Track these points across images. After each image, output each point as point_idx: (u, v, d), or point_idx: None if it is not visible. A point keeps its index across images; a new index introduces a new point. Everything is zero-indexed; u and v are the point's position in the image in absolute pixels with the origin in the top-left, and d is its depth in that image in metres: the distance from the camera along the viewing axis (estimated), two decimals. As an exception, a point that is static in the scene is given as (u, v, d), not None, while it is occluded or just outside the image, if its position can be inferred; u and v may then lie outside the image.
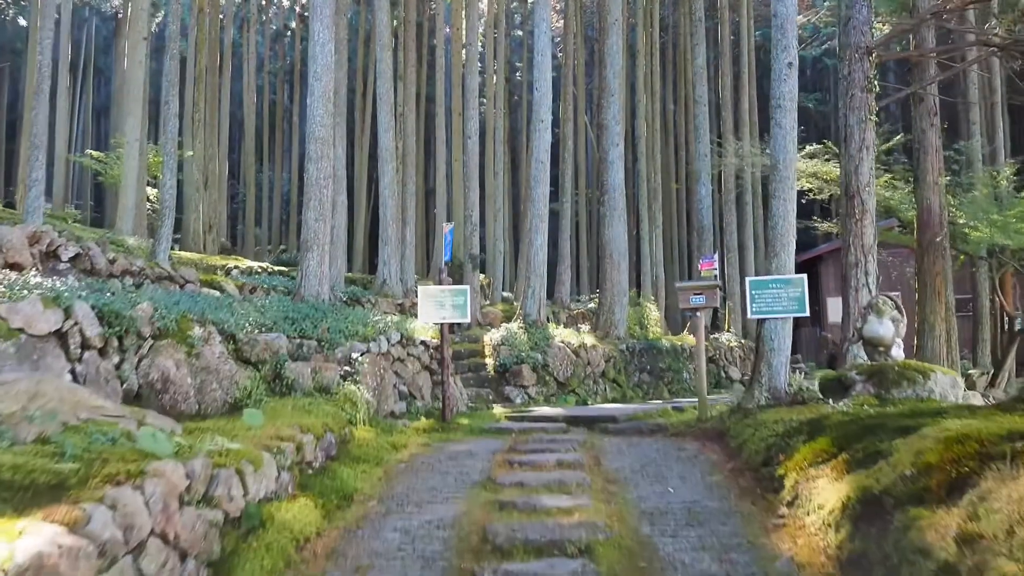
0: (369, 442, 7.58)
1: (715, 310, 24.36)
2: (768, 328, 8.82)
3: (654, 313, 18.80)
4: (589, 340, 14.98)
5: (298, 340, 8.98)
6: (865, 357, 9.63)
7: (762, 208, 29.39)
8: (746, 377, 21.11)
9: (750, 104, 26.74)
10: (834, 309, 25.20)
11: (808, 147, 19.84)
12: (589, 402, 13.43)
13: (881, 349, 7.37)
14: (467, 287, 9.44)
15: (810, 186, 19.34)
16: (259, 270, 18.95)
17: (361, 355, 9.25)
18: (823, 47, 36.41)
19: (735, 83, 26.03)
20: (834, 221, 20.20)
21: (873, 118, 10.27)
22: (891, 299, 7.39)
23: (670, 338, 18.75)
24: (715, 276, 9.44)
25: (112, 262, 11.14)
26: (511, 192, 25.77)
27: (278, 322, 9.12)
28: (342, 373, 8.66)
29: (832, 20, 38.63)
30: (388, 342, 10.01)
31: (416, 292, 19.21)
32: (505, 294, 24.11)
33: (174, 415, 6.90)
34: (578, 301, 24.26)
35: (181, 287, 11.45)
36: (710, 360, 19.46)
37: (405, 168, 20.88)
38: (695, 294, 9.12)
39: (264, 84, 32.43)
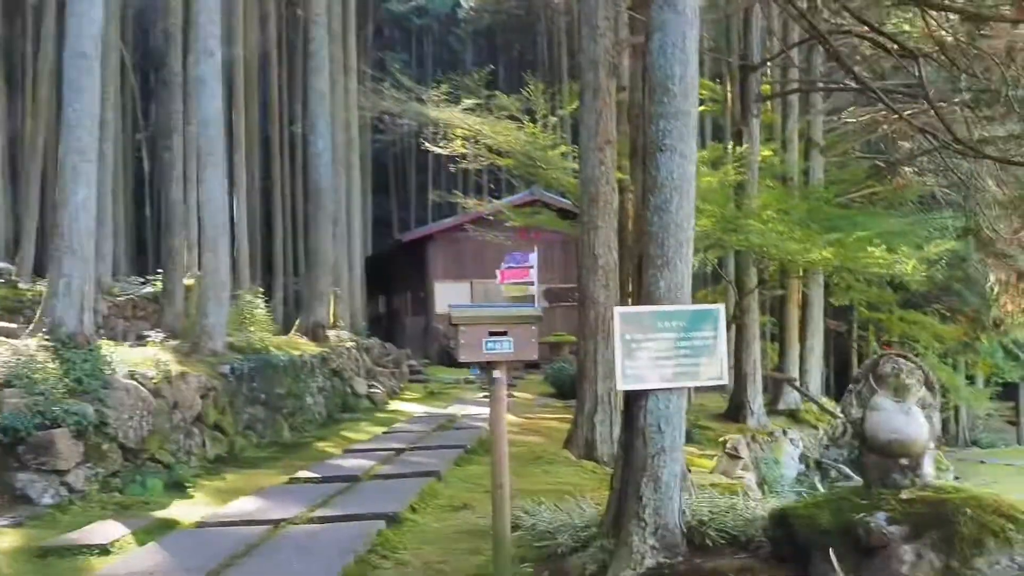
0: None
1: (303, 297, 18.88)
2: (653, 409, 4.38)
3: (259, 309, 13.09)
4: (174, 364, 8.86)
5: None
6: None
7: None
8: (373, 390, 16.43)
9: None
10: (443, 296, 22.50)
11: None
12: (186, 482, 7.54)
13: (904, 462, 3.85)
14: None
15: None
16: None
17: None
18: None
19: None
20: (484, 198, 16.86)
21: None
22: (917, 365, 3.91)
23: (278, 343, 13.31)
24: (530, 293, 4.91)
25: None
26: None
27: None
28: None
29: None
30: None
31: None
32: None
33: None
34: (126, 281, 16.75)
35: None
36: (334, 373, 14.56)
37: None
38: (492, 335, 4.33)
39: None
